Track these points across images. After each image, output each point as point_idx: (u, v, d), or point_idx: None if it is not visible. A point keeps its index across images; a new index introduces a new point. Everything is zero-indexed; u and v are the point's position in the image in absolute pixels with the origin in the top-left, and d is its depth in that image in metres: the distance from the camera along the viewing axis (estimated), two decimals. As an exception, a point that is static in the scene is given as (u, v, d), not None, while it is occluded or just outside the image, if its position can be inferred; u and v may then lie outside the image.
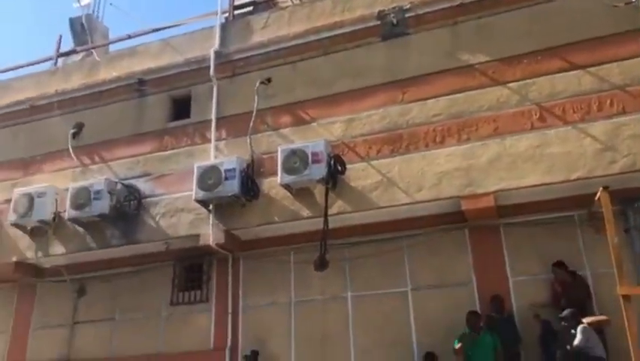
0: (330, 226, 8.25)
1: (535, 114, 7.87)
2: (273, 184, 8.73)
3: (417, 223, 8.46)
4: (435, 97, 8.46)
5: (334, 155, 8.43)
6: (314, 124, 9.00)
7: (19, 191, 9.99)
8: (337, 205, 8.35)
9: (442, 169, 8.02)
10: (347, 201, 8.34)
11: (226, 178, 8.73)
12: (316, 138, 8.64)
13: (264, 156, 9.09)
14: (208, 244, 8.87)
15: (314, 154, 8.31)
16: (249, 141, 9.12)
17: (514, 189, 7.70)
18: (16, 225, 9.92)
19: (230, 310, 9.08)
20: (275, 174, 8.65)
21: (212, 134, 9.55)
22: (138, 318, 9.67)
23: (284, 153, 8.49)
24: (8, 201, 10.22)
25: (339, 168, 8.37)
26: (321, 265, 8.49)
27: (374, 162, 8.39)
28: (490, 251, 8.17)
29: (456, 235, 8.37)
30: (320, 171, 8.23)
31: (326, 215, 8.19)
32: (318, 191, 8.44)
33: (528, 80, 8.07)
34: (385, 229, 8.60)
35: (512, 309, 7.71)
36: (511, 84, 8.15)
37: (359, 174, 8.39)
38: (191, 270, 9.71)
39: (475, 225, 8.19)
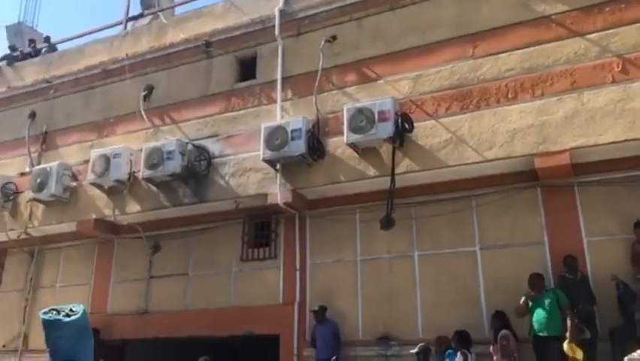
0: (397, 185, 8.22)
1: (617, 67, 7.43)
2: (339, 144, 8.74)
3: (486, 182, 8.28)
4: (507, 51, 8.14)
5: (401, 113, 8.31)
6: (380, 82, 8.87)
7: (96, 152, 10.46)
8: (404, 164, 8.29)
9: (515, 126, 7.77)
10: (414, 160, 8.25)
11: (292, 138, 8.80)
12: (383, 95, 8.54)
13: (330, 116, 9.08)
14: (276, 202, 9.04)
15: (380, 112, 8.22)
16: (314, 100, 9.12)
17: (591, 146, 7.37)
18: (94, 184, 10.43)
19: (297, 267, 9.28)
20: (341, 133, 8.65)
21: (278, 94, 9.60)
22: (210, 273, 10.05)
23: (350, 112, 8.44)
24: (86, 161, 10.73)
25: (407, 126, 8.25)
26: (388, 223, 8.52)
27: (443, 120, 8.22)
28: (563, 210, 7.91)
29: (527, 193, 8.14)
30: (387, 129, 8.16)
31: (393, 174, 8.15)
32: (385, 150, 8.38)
33: (610, 31, 7.61)
34: (453, 188, 8.47)
35: (586, 269, 7.49)
36: (590, 35, 7.71)
37: (427, 132, 8.26)
38: (260, 227, 9.96)
39: (548, 183, 7.94)
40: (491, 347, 7.21)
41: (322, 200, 9.32)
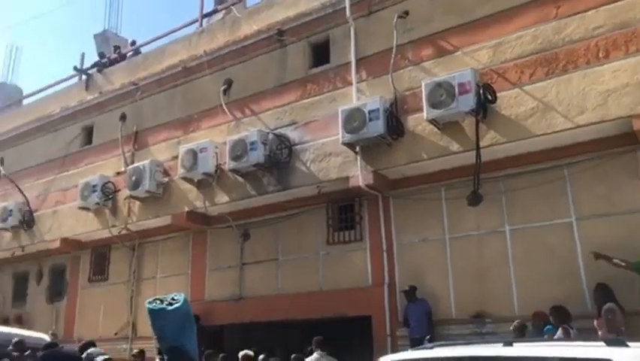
0: (483, 158, 7.98)
1: None
2: (419, 120, 8.59)
3: (579, 149, 7.84)
4: (594, 7, 7.61)
5: (483, 84, 8.01)
6: (458, 53, 8.59)
7: (183, 148, 10.93)
8: (489, 137, 8.00)
9: (608, 87, 7.27)
10: (500, 132, 7.95)
11: (370, 119, 8.75)
12: (461, 67, 8.26)
13: (407, 93, 8.93)
14: (357, 185, 9.05)
15: (460, 85, 7.98)
16: (390, 78, 8.99)
17: (698, 101, 6.76)
18: (184, 178, 10.93)
19: (384, 248, 9.26)
20: (420, 110, 8.49)
21: (353, 76, 9.55)
22: (298, 258, 10.27)
23: (428, 87, 8.26)
24: (175, 157, 11.25)
25: (489, 97, 7.95)
26: (475, 199, 8.30)
27: (527, 87, 7.84)
28: (667, 173, 7.34)
29: (625, 158, 7.61)
30: (468, 102, 7.90)
31: (478, 148, 7.91)
32: (468, 123, 8.14)
33: None
34: (543, 158, 8.09)
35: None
36: (690, -20, 7.03)
37: (511, 102, 7.92)
38: (344, 211, 10.02)
39: (650, 146, 7.38)
40: (595, 322, 6.85)
41: (405, 179, 9.22)
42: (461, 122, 8.24)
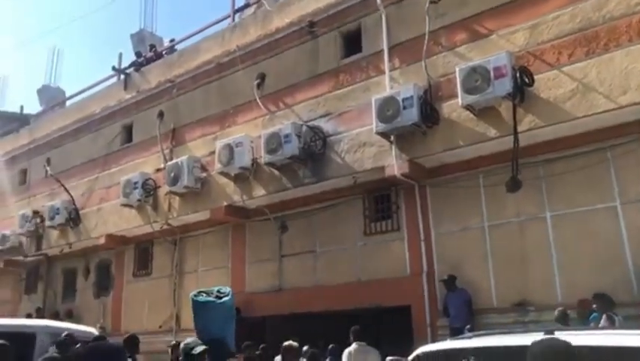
0: (521, 143, 7.78)
1: None
2: (454, 107, 8.44)
3: (622, 131, 7.57)
4: (637, -18, 7.28)
5: (519, 67, 7.80)
6: (492, 37, 8.38)
7: (220, 143, 11.07)
8: (527, 121, 7.80)
9: (652, 65, 6.96)
10: (538, 115, 7.73)
11: (404, 107, 8.65)
12: (497, 51, 8.06)
13: (442, 79, 8.78)
14: (393, 174, 8.97)
15: (496, 69, 7.79)
16: (423, 65, 8.85)
17: None
18: (221, 173, 11.08)
19: (422, 238, 9.17)
20: (455, 96, 8.34)
21: (386, 64, 9.45)
22: (336, 249, 10.28)
23: (463, 73, 8.10)
24: (212, 153, 11.41)
25: (526, 80, 7.74)
26: (514, 186, 8.11)
27: (566, 68, 7.59)
28: None
29: (674, 138, 7.31)
30: (504, 86, 7.71)
31: (515, 132, 7.71)
32: (505, 108, 7.95)
33: None
34: (585, 141, 7.84)
35: None
36: None
37: (549, 84, 7.68)
38: (380, 201, 9.97)
39: (699, 124, 7.05)
40: (643, 309, 6.63)
41: (441, 167, 9.10)
42: (498, 107, 8.05)
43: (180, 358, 4.89)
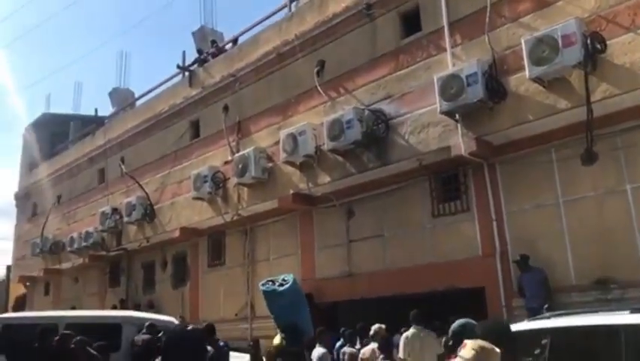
0: (595, 114, 7.38)
1: None
2: (521, 80, 8.12)
3: None
4: None
5: (590, 33, 7.39)
6: (559, 3, 7.97)
7: (283, 133, 11.21)
8: (601, 89, 7.38)
9: None
10: (613, 83, 7.31)
11: (468, 84, 8.42)
12: (564, 18, 7.66)
13: (507, 52, 8.46)
14: (460, 154, 8.77)
15: (564, 37, 7.41)
16: (487, 39, 8.57)
17: None
18: (287, 162, 11.22)
19: (494, 217, 8.93)
20: (521, 69, 8.03)
21: (447, 41, 9.21)
22: (404, 232, 10.19)
23: (529, 44, 7.76)
24: (276, 143, 11.57)
25: (598, 46, 7.32)
26: (590, 158, 7.73)
27: (643, 30, 7.11)
28: None
29: None
30: (574, 54, 7.34)
31: (589, 102, 7.32)
32: (576, 77, 7.57)
33: None
34: (667, 107, 7.34)
35: None
36: None
37: (624, 49, 7.23)
38: (448, 181, 9.78)
39: None
40: None
41: (510, 144, 8.79)
42: (568, 77, 7.67)
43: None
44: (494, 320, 2.97)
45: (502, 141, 8.79)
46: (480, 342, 2.97)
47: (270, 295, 5.76)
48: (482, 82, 8.30)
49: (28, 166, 24.44)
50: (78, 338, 6.85)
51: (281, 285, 5.73)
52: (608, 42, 7.33)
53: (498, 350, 2.91)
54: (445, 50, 9.24)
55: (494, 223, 8.92)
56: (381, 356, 6.95)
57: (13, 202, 24.98)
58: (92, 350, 6.95)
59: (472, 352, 2.83)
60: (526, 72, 7.84)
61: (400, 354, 7.69)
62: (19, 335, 8.31)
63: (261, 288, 5.93)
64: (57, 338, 7.57)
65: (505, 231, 8.86)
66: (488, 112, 8.49)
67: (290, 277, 5.88)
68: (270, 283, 5.86)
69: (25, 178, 24.51)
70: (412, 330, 7.63)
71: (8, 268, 25.90)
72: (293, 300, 5.67)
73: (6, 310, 21.97)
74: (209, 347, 7.75)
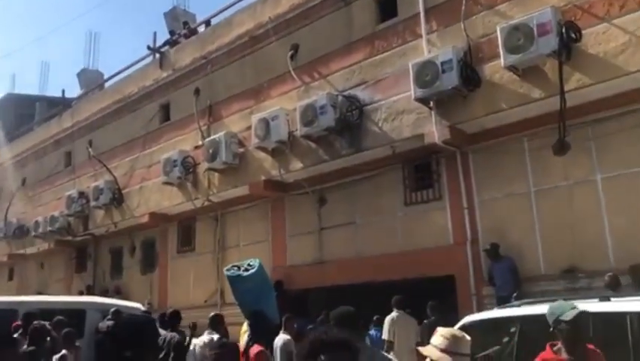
0: (568, 103, 7.38)
1: None
2: (496, 68, 8.08)
3: (680, 85, 7.06)
4: None
5: (565, 22, 7.37)
6: (536, -8, 7.93)
7: (255, 117, 10.99)
8: (575, 79, 7.39)
9: None
10: (586, 73, 7.31)
11: (443, 71, 8.35)
12: (540, 6, 7.61)
13: (482, 40, 8.41)
14: (433, 142, 8.72)
15: (540, 26, 7.38)
16: (462, 26, 8.50)
17: None
18: (259, 148, 11.03)
19: (465, 206, 8.93)
20: (496, 57, 7.99)
21: (422, 27, 9.12)
22: (376, 220, 10.13)
23: (504, 32, 7.72)
24: (248, 127, 11.35)
25: (573, 35, 7.31)
26: (561, 148, 7.74)
27: (618, 21, 7.13)
28: None
29: None
30: (549, 43, 7.31)
31: (562, 92, 7.31)
32: (550, 67, 7.55)
33: None
34: (637, 98, 7.37)
35: None
36: None
37: (599, 39, 7.24)
38: (421, 170, 9.74)
39: None
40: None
41: (484, 132, 8.76)
42: (542, 67, 7.66)
43: None
44: (345, 308, 3.61)
45: (475, 130, 8.76)
46: (451, 330, 2.99)
47: (234, 281, 5.60)
48: (457, 69, 8.23)
49: (-8, 147, 23.66)
50: (37, 323, 6.58)
51: (246, 270, 5.57)
52: (582, 32, 7.32)
53: (468, 337, 2.93)
54: (420, 36, 9.15)
55: (466, 212, 8.93)
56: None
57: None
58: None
59: (443, 339, 2.84)
60: (501, 60, 7.80)
61: (385, 335, 7.75)
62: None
63: (226, 273, 5.76)
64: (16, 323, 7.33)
65: (476, 220, 8.87)
66: (462, 100, 8.44)
67: (256, 263, 5.72)
68: (236, 268, 5.70)
69: (-12, 160, 23.72)
70: (395, 313, 7.73)
71: (-30, 252, 25.14)
72: (257, 286, 5.51)
73: (-32, 296, 21.32)
74: (166, 332, 7.60)
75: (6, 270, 21.14)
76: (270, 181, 11.22)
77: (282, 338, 6.54)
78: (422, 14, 9.11)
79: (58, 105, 20.23)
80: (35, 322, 6.53)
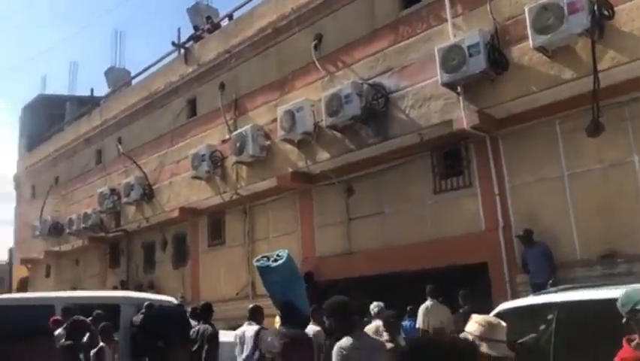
0: (602, 83, 7.14)
1: None
2: (525, 50, 7.87)
3: None
4: None
5: (597, -2, 7.11)
6: (565, -31, 7.66)
7: (281, 109, 10.96)
8: (608, 58, 7.14)
9: None
10: (620, 51, 7.06)
11: (470, 55, 8.17)
12: (570, -16, 7.36)
13: (509, 22, 8.20)
14: (462, 127, 8.56)
15: (570, 4, 7.14)
16: (489, 8, 8.29)
17: None
18: (285, 140, 11.01)
19: (497, 192, 8.75)
20: (525, 38, 7.77)
21: (447, 11, 8.93)
22: (405, 209, 10.02)
23: (533, 12, 7.49)
24: (274, 120, 11.34)
25: (605, 12, 7.05)
26: (596, 130, 7.50)
27: (653, -6, 6.84)
28: None
29: None
30: (580, 21, 7.07)
31: (595, 72, 7.08)
32: (582, 46, 7.32)
33: None
34: (676, 75, 7.09)
35: None
36: None
37: (633, 14, 6.98)
38: (450, 156, 9.59)
39: None
40: None
41: (513, 116, 8.57)
42: (574, 46, 7.42)
43: None
44: (338, 297, 3.91)
45: (505, 114, 8.57)
46: (486, 317, 2.93)
47: (263, 272, 5.63)
48: (484, 52, 8.04)
49: (26, 148, 24.25)
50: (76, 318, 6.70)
51: (275, 261, 5.58)
52: (615, 8, 7.06)
53: (504, 323, 2.86)
54: (445, 20, 8.97)
55: (497, 198, 8.76)
56: (386, 334, 6.86)
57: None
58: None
59: (478, 326, 2.77)
60: (530, 41, 7.59)
61: (419, 324, 7.70)
62: (15, 317, 8.22)
63: (255, 264, 5.79)
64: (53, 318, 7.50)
65: (508, 206, 8.69)
66: (490, 84, 8.26)
67: (284, 253, 5.73)
68: (265, 259, 5.72)
69: (22, 160, 24.34)
70: (429, 302, 7.66)
71: (10, 250, 25.91)
72: (286, 276, 5.52)
73: (10, 293, 21.98)
74: (201, 325, 7.65)
75: (43, 267, 21.70)
76: (297, 173, 11.20)
77: (311, 328, 6.53)
78: (447, -3, 8.92)
79: (88, 104, 20.58)
80: (75, 316, 6.67)
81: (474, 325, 2.82)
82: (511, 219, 8.61)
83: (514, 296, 7.54)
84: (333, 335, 3.97)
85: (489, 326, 2.80)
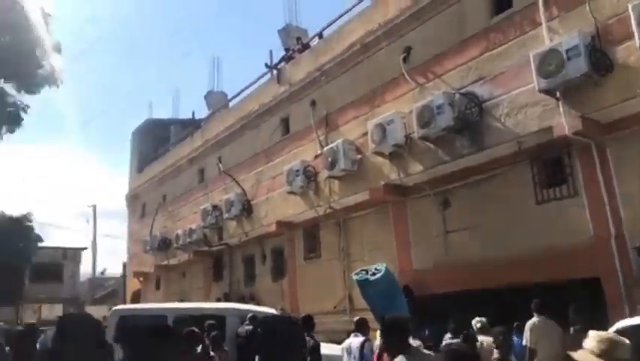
0: None
1: None
2: (631, 50, 7.41)
3: None
4: None
5: None
6: (673, -40, 7.15)
7: (371, 123, 11.05)
8: None
9: None
10: None
11: (569, 58, 7.81)
12: (680, -24, 6.86)
13: (612, 21, 7.75)
14: (564, 134, 8.16)
15: (681, -3, 6.63)
16: (588, 8, 7.88)
17: None
18: (376, 153, 11.06)
19: (606, 201, 8.19)
20: (630, 37, 7.34)
21: (542, 15, 8.61)
22: (505, 221, 9.63)
23: (638, 8, 7.05)
24: (364, 134, 11.43)
25: None
26: None
27: None
28: None
29: None
30: (694, 15, 6.54)
31: None
32: (697, 41, 6.75)
33: None
34: None
35: None
36: None
37: None
38: (550, 165, 9.15)
39: None
40: None
41: (621, 120, 8.05)
42: (688, 41, 6.87)
43: None
44: (397, 315, 3.96)
45: (610, 118, 8.07)
46: (607, 334, 2.78)
47: (362, 285, 5.70)
48: (585, 54, 7.65)
49: (136, 169, 26.13)
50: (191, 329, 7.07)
51: (373, 274, 5.64)
52: None
53: (627, 341, 2.70)
54: (539, 24, 8.64)
55: (607, 208, 8.19)
56: (496, 352, 6.71)
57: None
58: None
59: (598, 343, 2.63)
60: (636, 40, 7.14)
61: (526, 342, 7.44)
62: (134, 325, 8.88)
63: (354, 278, 5.88)
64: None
65: (620, 215, 8.11)
66: (593, 87, 7.83)
67: (382, 267, 5.77)
68: (364, 272, 5.80)
69: (133, 180, 26.24)
70: (536, 318, 7.36)
71: (124, 264, 27.94)
72: (385, 289, 5.55)
73: (124, 304, 23.68)
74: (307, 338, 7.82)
75: (153, 280, 23.18)
76: (390, 185, 11.19)
77: (357, 339, 6.46)
78: (541, 1, 8.59)
79: (189, 126, 21.81)
80: (189, 328, 7.07)
81: (594, 342, 2.68)
82: (625, 230, 8.02)
83: (634, 313, 7.00)
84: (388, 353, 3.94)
85: (611, 344, 2.64)
